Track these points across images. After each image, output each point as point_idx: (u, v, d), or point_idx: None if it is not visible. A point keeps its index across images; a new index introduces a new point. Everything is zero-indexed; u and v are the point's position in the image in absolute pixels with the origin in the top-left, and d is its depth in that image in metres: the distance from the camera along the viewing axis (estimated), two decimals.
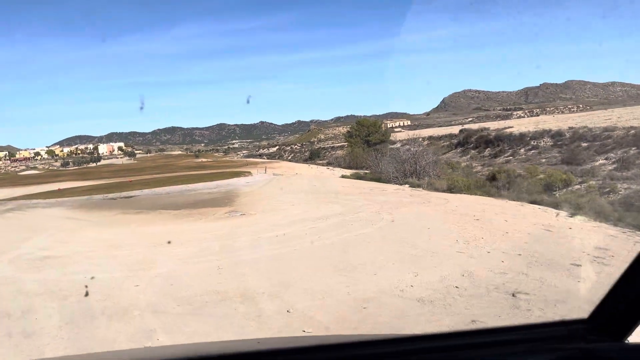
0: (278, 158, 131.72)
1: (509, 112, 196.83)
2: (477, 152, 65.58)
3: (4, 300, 7.45)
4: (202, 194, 23.54)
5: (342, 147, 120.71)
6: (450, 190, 25.43)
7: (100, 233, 14.67)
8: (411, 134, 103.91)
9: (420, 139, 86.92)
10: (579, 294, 6.09)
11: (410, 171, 34.80)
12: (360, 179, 32.22)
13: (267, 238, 11.14)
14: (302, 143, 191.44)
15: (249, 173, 36.46)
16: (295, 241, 10.49)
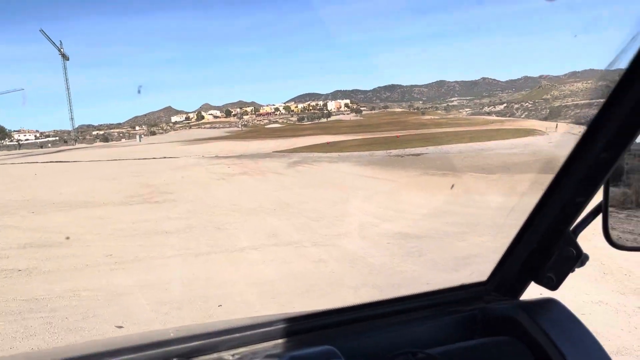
0: (509, 116, 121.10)
1: None
2: None
3: None
4: (502, 155, 19.69)
5: (589, 105, 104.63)
6: None
7: (429, 200, 11.78)
8: None
9: None
10: None
11: None
12: None
13: None
14: (534, 100, 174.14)
15: (540, 131, 31.13)
16: None
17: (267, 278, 6.67)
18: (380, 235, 8.74)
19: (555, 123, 43.13)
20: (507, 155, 19.42)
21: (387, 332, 1.29)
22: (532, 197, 1.27)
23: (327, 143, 32.49)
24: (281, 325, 1.23)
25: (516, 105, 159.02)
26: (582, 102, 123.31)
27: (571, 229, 1.25)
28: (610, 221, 1.22)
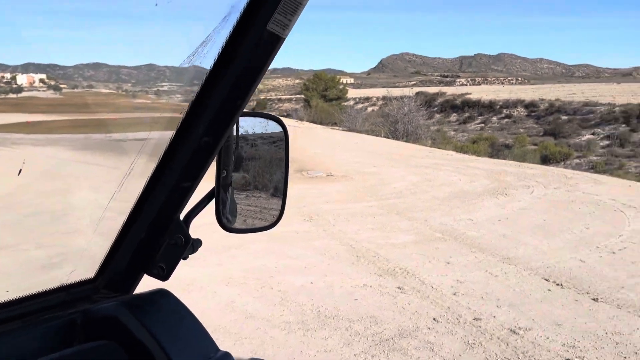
0: None
1: (451, 79, 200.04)
2: (443, 116, 64.45)
3: None
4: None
5: (290, 100, 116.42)
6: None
7: None
8: (359, 92, 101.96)
9: (374, 98, 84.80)
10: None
11: (403, 131, 33.10)
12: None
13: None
14: None
15: None
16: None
17: None
18: None
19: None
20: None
21: None
22: (139, 182, 1.23)
23: (27, 122, 27.62)
24: None
25: None
26: (284, 97, 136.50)
27: (183, 214, 1.25)
28: (241, 205, 1.31)
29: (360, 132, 33.57)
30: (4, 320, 1.17)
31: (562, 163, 32.16)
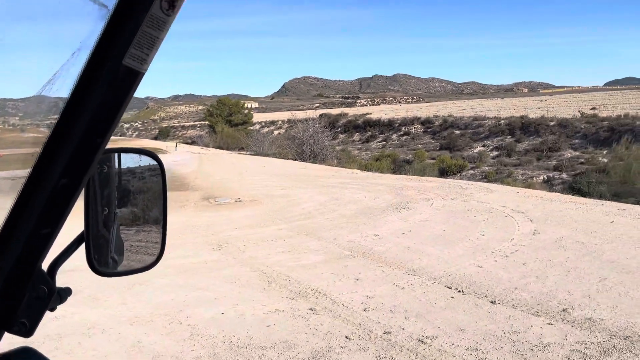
0: (120, 135, 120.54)
1: (352, 100, 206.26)
2: (347, 136, 66.32)
3: None
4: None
5: (194, 127, 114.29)
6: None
7: None
8: (265, 116, 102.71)
9: (280, 122, 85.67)
10: None
11: (309, 153, 33.80)
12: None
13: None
14: (144, 121, 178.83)
15: (162, 150, 31.01)
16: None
17: None
18: None
19: (175, 142, 45.07)
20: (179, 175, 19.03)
21: None
22: None
23: None
24: None
25: (126, 125, 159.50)
26: (188, 123, 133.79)
27: (48, 263, 1.15)
28: (116, 247, 1.23)
29: (267, 155, 33.66)
30: None
31: (459, 174, 34.24)
